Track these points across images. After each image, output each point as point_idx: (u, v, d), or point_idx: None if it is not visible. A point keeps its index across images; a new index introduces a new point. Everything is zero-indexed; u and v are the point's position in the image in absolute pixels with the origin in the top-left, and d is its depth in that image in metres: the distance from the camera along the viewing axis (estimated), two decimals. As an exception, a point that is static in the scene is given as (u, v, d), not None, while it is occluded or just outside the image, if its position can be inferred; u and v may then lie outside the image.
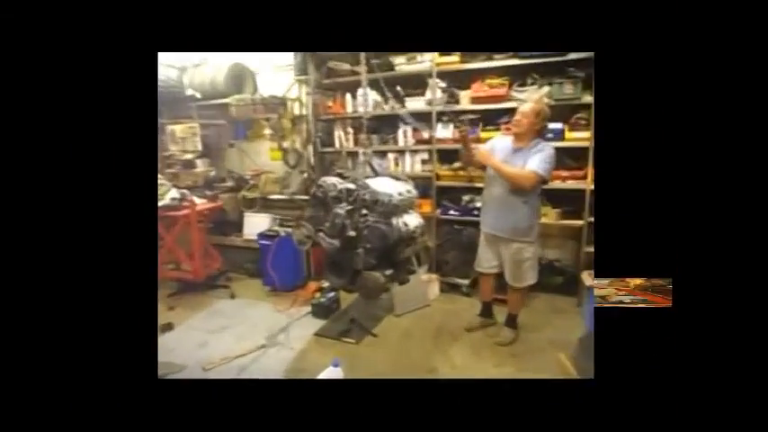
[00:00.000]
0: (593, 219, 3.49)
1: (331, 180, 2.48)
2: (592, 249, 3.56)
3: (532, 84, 3.64)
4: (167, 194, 4.05)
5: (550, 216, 3.65)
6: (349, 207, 2.38)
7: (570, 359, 2.81)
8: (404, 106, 4.06)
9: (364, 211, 2.35)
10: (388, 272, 2.41)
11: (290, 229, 4.29)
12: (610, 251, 1.31)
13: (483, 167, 2.98)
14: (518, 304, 3.12)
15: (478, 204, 3.97)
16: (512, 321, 3.16)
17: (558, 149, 2.80)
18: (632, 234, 1.29)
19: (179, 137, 4.73)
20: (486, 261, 3.09)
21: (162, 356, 3.06)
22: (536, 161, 2.67)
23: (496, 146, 2.92)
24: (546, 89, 3.50)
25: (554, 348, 2.96)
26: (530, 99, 2.88)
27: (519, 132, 2.75)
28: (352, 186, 2.41)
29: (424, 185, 4.22)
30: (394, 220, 2.32)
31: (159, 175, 4.52)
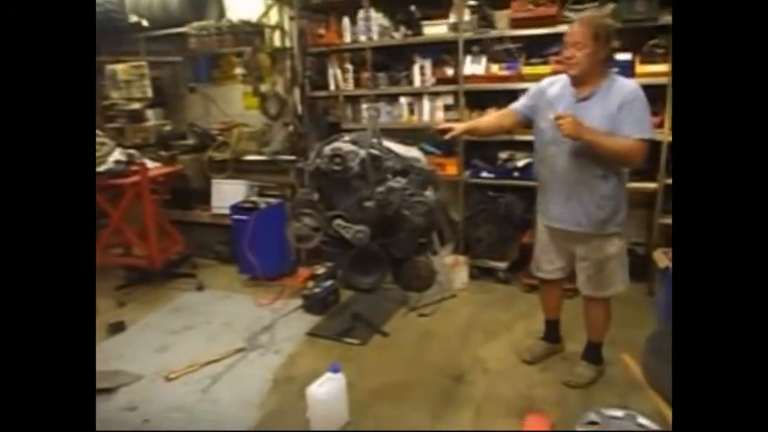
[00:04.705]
0: (670, 180, 3.50)
1: (348, 147, 2.53)
2: (668, 221, 3.60)
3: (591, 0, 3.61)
4: (110, 157, 4.11)
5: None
6: (404, 180, 2.47)
7: (637, 361, 2.90)
8: (420, 33, 4.05)
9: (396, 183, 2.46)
10: (430, 254, 2.54)
11: (271, 200, 4.38)
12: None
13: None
14: (601, 325, 2.82)
15: (520, 163, 4.00)
16: (593, 353, 2.88)
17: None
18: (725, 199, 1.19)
19: (122, 80, 4.77)
20: (548, 263, 2.88)
21: (112, 364, 3.20)
22: (633, 120, 2.37)
23: (549, 94, 2.63)
24: (610, 7, 3.47)
25: (616, 348, 3.02)
26: (578, 19, 2.62)
27: (577, 74, 2.44)
28: (376, 153, 2.47)
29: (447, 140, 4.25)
30: (428, 190, 2.45)
31: (98, 132, 4.58)
